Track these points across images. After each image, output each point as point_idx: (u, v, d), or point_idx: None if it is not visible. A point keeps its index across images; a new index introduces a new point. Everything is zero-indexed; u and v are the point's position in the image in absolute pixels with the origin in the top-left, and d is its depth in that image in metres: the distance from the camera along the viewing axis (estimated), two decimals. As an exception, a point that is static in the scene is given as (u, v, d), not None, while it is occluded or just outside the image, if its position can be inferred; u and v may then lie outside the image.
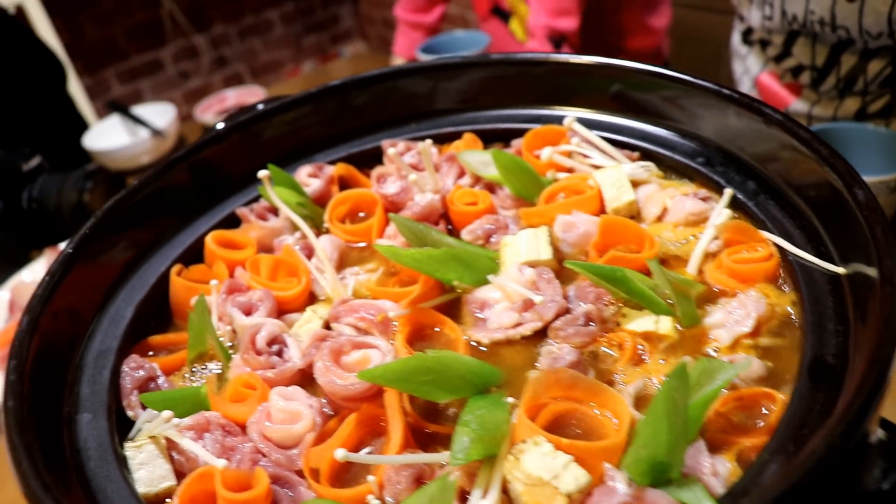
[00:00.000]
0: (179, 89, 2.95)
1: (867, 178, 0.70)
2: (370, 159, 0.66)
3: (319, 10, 3.18)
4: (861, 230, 0.42)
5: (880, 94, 0.99)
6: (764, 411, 0.41)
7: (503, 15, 1.39)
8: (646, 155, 0.61)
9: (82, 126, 1.63)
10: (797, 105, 1.06)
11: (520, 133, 0.64)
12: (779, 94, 1.08)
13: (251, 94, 1.66)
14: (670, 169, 0.60)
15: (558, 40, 1.25)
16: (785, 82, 1.07)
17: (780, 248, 0.49)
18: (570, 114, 0.64)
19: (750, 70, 1.13)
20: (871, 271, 0.40)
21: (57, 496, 0.36)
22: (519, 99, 0.66)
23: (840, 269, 0.45)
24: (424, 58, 1.23)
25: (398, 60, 1.49)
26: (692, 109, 0.59)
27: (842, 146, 0.81)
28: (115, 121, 1.59)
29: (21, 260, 1.24)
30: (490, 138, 0.66)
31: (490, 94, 0.66)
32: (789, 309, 0.47)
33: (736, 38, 1.16)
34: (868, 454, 0.34)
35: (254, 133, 0.64)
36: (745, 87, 1.15)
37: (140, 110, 1.58)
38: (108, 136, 1.55)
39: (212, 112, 1.63)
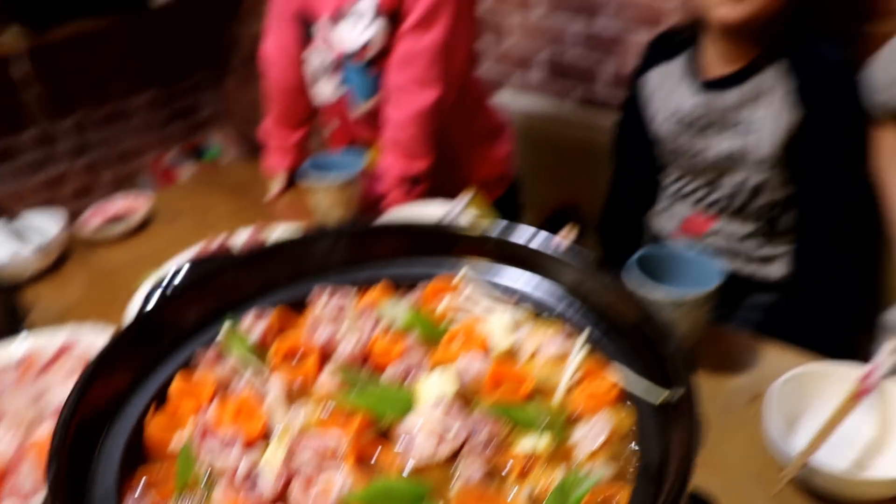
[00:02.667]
0: (39, 175, 2.91)
1: (680, 293, 0.95)
2: (304, 304, 0.81)
3: (183, 97, 3.27)
4: (676, 369, 0.63)
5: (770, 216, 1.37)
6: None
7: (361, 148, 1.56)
8: (523, 300, 0.81)
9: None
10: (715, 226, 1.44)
11: (427, 278, 0.82)
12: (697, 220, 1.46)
13: (138, 200, 1.71)
14: (542, 312, 0.80)
15: (413, 181, 1.43)
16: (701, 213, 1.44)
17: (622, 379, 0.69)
18: (464, 266, 0.83)
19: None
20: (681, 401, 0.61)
21: None
22: (424, 252, 0.85)
23: (663, 397, 0.65)
24: (314, 173, 1.38)
25: (278, 177, 1.63)
26: (552, 265, 0.80)
27: (668, 266, 1.04)
28: (-5, 228, 1.60)
29: None
30: (401, 285, 0.83)
31: (402, 250, 0.84)
32: (631, 427, 0.67)
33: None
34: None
35: (202, 285, 0.78)
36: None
37: (24, 218, 1.61)
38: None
39: (100, 218, 1.67)
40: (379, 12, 1.32)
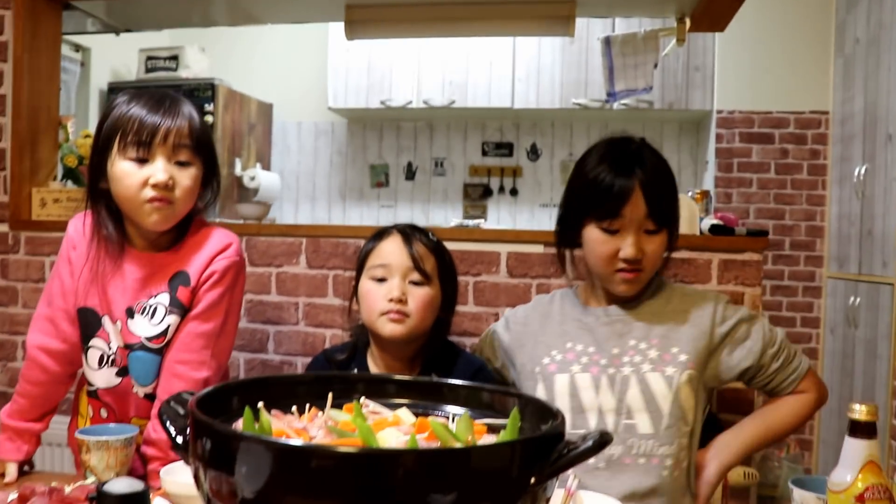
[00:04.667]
0: None
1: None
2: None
3: None
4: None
5: None
6: None
7: None
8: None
9: None
10: None
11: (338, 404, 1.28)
12: None
13: None
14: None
15: None
16: None
17: None
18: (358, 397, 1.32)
19: None
20: None
21: None
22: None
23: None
24: (85, 437, 1.60)
25: (10, 466, 1.75)
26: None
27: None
28: None
29: None
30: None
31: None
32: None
33: None
34: None
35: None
36: None
37: None
38: None
39: None
40: (173, 306, 1.76)
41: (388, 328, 1.82)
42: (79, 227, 1.84)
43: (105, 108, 1.78)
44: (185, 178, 1.72)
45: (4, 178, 2.84)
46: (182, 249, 1.80)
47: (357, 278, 1.93)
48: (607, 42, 3.09)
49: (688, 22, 2.92)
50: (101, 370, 1.81)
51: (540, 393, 1.82)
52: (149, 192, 1.68)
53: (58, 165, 2.97)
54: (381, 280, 1.83)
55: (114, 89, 4.67)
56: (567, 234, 1.90)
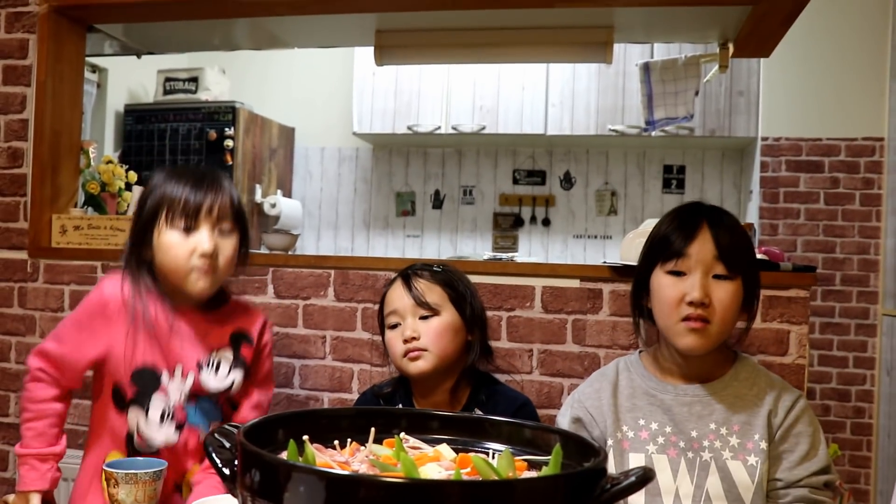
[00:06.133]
0: None
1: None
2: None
3: None
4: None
5: None
6: None
7: None
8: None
9: None
10: None
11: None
12: None
13: None
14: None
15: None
16: None
17: None
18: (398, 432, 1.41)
19: None
20: None
21: None
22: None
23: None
24: (114, 471, 1.70)
25: (34, 498, 1.84)
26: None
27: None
28: None
29: None
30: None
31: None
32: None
33: None
34: None
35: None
36: None
37: None
38: None
39: None
40: (237, 362, 2.00)
41: (412, 367, 2.01)
42: (116, 292, 1.94)
43: (146, 186, 1.97)
44: (228, 246, 1.93)
45: (24, 204, 2.96)
46: (232, 310, 2.04)
47: (382, 331, 2.14)
48: (646, 68, 3.19)
49: (731, 47, 3.01)
50: (163, 427, 1.94)
51: (611, 469, 1.85)
52: (195, 261, 1.87)
53: (79, 191, 3.10)
54: (396, 326, 2.05)
55: (131, 111, 4.83)
56: (639, 291, 1.93)
